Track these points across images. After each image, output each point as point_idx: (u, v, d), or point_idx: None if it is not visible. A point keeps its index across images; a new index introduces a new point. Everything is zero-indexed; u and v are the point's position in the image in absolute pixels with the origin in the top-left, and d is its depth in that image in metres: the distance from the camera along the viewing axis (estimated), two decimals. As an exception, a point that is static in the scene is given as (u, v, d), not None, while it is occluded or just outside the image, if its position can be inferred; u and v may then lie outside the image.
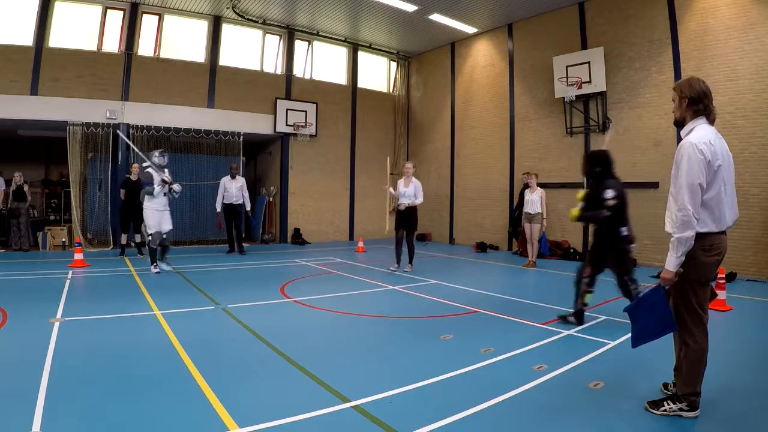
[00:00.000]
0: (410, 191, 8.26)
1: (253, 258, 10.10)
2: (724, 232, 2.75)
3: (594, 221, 5.03)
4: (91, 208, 10.99)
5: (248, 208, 11.11)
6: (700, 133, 2.68)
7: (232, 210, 10.82)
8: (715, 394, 3.05)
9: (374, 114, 15.15)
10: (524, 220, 9.49)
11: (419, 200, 8.30)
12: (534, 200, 9.25)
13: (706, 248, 2.69)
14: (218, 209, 10.79)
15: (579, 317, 4.98)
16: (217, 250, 11.28)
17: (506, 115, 12.44)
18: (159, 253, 8.02)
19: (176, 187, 8.00)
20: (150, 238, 7.86)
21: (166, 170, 7.96)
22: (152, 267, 7.87)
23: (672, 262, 2.66)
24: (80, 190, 10.81)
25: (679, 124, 2.86)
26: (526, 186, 11.36)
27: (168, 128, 11.59)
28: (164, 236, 7.98)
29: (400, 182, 8.45)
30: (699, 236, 2.66)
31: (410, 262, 8.60)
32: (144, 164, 7.96)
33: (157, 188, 7.77)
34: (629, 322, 2.95)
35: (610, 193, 4.78)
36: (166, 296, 6.05)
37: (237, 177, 10.94)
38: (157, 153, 7.96)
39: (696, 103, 2.73)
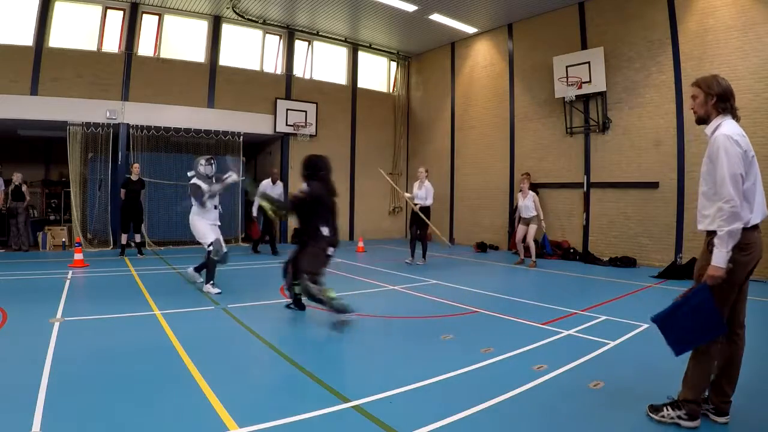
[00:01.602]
0: (422, 194, 9.33)
1: (253, 258, 10.09)
2: (758, 227, 2.65)
3: (283, 209, 5.46)
4: (91, 208, 10.98)
5: None
6: (730, 127, 2.63)
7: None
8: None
9: (374, 114, 15.15)
10: (521, 223, 9.44)
11: (429, 201, 9.36)
12: (528, 206, 9.18)
13: (742, 246, 2.57)
14: (254, 213, 10.52)
15: (298, 304, 5.32)
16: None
17: (506, 115, 12.44)
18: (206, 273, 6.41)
19: (217, 187, 6.37)
20: (210, 248, 6.18)
21: (229, 177, 6.49)
22: (209, 285, 6.25)
23: (722, 258, 2.52)
24: (80, 190, 10.81)
25: (703, 120, 2.78)
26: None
27: (168, 128, 11.59)
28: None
29: (415, 185, 9.61)
30: None
31: (423, 257, 9.51)
32: (189, 173, 6.43)
33: (208, 203, 6.31)
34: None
35: (302, 188, 5.06)
36: (166, 296, 6.05)
37: (278, 183, 10.79)
38: (203, 161, 6.37)
39: (723, 100, 2.68)
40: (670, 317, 2.72)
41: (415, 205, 9.32)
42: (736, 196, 2.50)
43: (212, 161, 6.50)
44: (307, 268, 4.91)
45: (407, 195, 9.82)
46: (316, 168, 5.11)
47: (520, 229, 9.43)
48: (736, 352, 2.75)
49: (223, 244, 6.34)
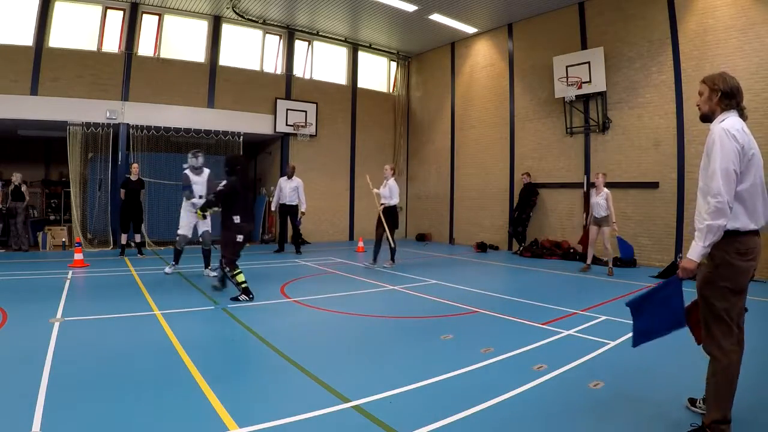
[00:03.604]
0: (385, 192, 8.89)
1: (253, 258, 10.09)
2: (758, 233, 2.53)
3: (210, 206, 6.16)
4: (91, 208, 10.99)
5: (302, 209, 10.91)
6: (732, 121, 2.53)
7: (285, 211, 10.86)
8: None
9: (374, 114, 15.15)
10: (592, 223, 8.56)
11: (394, 201, 8.86)
12: (600, 203, 8.32)
13: (741, 252, 2.45)
14: (272, 208, 11.19)
15: (247, 293, 5.85)
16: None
17: (506, 115, 12.44)
18: (203, 259, 7.86)
19: (194, 198, 7.59)
20: (177, 237, 7.76)
21: (204, 171, 7.77)
22: (167, 267, 7.80)
23: (697, 252, 2.42)
24: (80, 190, 10.81)
25: (707, 118, 2.69)
26: (530, 185, 11.38)
27: (168, 128, 11.59)
28: (200, 239, 7.79)
29: (382, 185, 9.10)
30: (734, 236, 2.45)
31: (391, 259, 9.09)
32: (184, 165, 7.89)
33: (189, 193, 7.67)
34: (630, 321, 2.88)
35: (220, 185, 5.98)
36: (166, 296, 6.06)
37: (294, 178, 10.86)
38: (190, 154, 7.76)
39: (729, 97, 2.59)
40: (642, 303, 2.75)
41: (381, 205, 8.87)
42: (725, 192, 2.38)
43: (198, 153, 7.76)
44: (224, 254, 5.90)
45: (376, 191, 9.22)
46: (233, 165, 5.95)
47: (592, 231, 8.56)
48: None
49: (186, 242, 7.76)
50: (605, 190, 8.40)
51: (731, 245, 2.45)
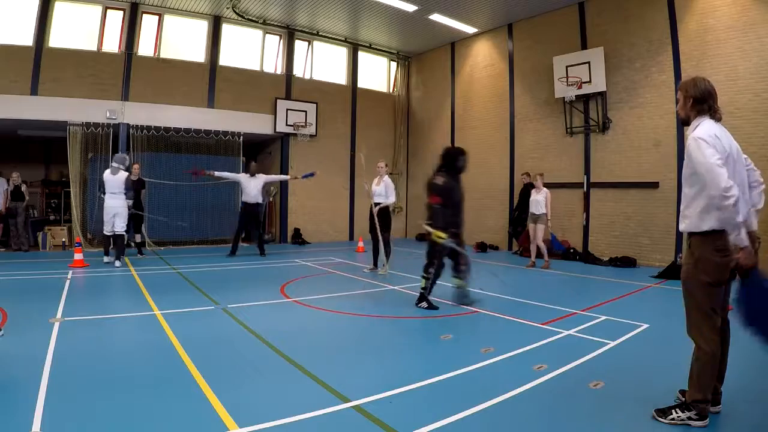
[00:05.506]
0: (380, 190, 8.15)
1: (252, 258, 10.09)
2: None
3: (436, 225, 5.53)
4: (91, 208, 10.97)
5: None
6: (704, 128, 2.65)
7: (249, 210, 10.18)
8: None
9: (374, 114, 15.15)
10: (529, 220, 9.28)
11: (391, 199, 8.18)
12: (539, 201, 9.04)
13: (719, 249, 2.58)
14: (215, 174, 10.23)
15: (422, 299, 5.75)
16: (217, 250, 11.27)
17: (506, 115, 12.44)
18: (118, 251, 8.59)
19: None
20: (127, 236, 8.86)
21: (121, 173, 8.64)
22: (117, 262, 8.47)
23: (742, 238, 2.44)
24: (80, 190, 10.81)
25: (685, 122, 2.84)
26: (529, 186, 11.38)
27: (168, 128, 11.59)
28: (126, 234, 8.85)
29: (374, 181, 8.34)
30: (712, 235, 2.58)
31: (386, 261, 8.34)
32: (115, 165, 8.59)
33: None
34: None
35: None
36: (166, 296, 6.05)
37: (258, 175, 10.43)
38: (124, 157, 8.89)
39: (700, 102, 2.70)
40: (755, 311, 2.51)
41: (376, 205, 8.11)
42: (727, 182, 2.39)
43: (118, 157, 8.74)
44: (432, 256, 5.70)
45: (366, 186, 8.54)
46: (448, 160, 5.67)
47: (531, 228, 9.21)
48: (723, 347, 2.78)
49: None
50: (545, 189, 9.10)
51: (709, 243, 2.60)
